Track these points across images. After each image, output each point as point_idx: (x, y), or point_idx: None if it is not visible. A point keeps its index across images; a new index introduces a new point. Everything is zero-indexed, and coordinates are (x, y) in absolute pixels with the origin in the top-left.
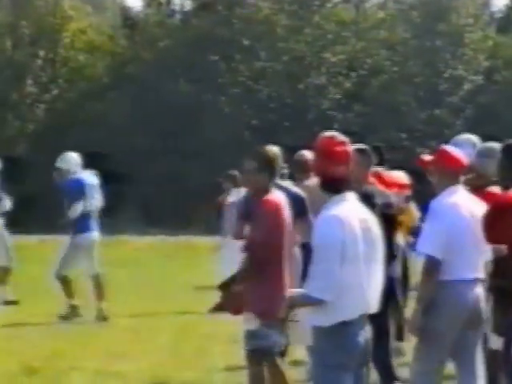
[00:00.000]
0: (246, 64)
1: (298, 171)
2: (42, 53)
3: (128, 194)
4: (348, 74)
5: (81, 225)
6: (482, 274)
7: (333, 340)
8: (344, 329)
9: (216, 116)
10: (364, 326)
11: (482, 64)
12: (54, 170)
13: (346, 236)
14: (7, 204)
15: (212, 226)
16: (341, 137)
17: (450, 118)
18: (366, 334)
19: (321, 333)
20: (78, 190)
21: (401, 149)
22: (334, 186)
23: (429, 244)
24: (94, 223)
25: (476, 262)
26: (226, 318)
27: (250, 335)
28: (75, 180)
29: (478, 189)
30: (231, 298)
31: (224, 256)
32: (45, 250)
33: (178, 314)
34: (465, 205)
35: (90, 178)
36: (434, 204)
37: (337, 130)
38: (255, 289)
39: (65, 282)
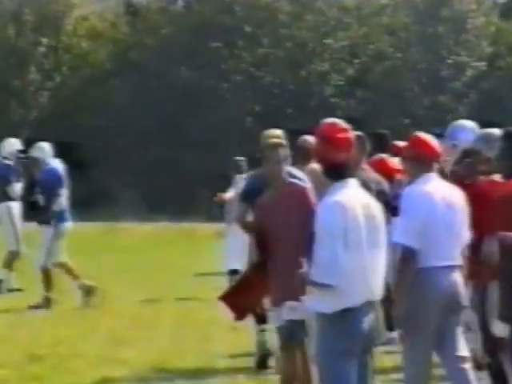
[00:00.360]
0: (249, 50)
1: (301, 157)
2: (44, 40)
3: (130, 180)
4: (351, 61)
5: (62, 214)
6: (458, 260)
7: (337, 326)
8: (348, 315)
9: (218, 102)
10: (368, 312)
11: (484, 50)
12: (29, 160)
13: (348, 222)
14: (17, 188)
15: (213, 214)
16: (342, 123)
17: (453, 103)
18: (371, 320)
19: (325, 319)
20: (58, 180)
21: (404, 135)
22: (335, 172)
23: (404, 234)
24: (68, 213)
25: (452, 249)
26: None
27: (302, 326)
28: (53, 170)
29: (483, 175)
30: (235, 305)
31: (228, 244)
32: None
33: (180, 300)
34: (439, 192)
35: (61, 167)
36: (408, 192)
37: (339, 116)
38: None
39: (47, 275)
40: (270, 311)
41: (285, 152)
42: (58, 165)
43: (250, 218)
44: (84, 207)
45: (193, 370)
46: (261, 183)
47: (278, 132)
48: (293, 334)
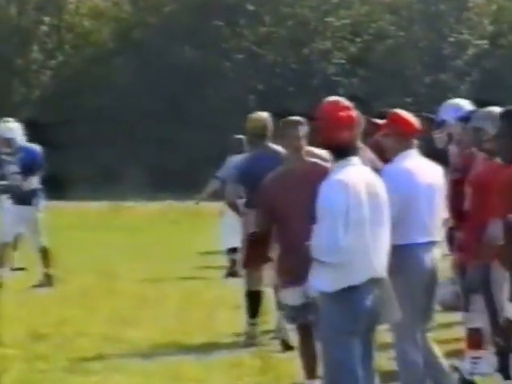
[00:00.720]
0: (251, 29)
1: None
2: (47, 19)
3: (133, 160)
4: (353, 39)
5: (41, 194)
6: (437, 236)
7: (340, 305)
8: (351, 294)
9: (220, 81)
10: (372, 290)
11: (486, 28)
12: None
13: (350, 200)
14: None
15: (216, 192)
16: (345, 102)
17: (455, 82)
18: (375, 298)
19: (328, 298)
20: (36, 159)
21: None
22: (339, 150)
23: None
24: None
25: (430, 226)
26: (233, 283)
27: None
28: (30, 150)
29: (488, 153)
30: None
31: (226, 222)
32: (48, 215)
33: (185, 279)
34: (418, 169)
35: (35, 146)
36: (387, 169)
37: (342, 95)
38: None
39: (46, 253)
40: (285, 291)
41: (304, 130)
42: (30, 144)
43: (240, 198)
44: (87, 186)
45: (197, 348)
46: (257, 164)
47: (265, 115)
48: (312, 310)
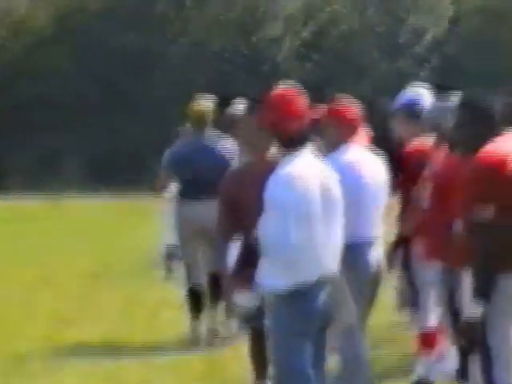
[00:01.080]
0: (197, 11)
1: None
2: None
3: (75, 149)
4: (305, 23)
5: None
6: (380, 231)
7: (291, 305)
8: (302, 293)
9: (166, 67)
10: (323, 288)
11: (445, 12)
12: None
13: (299, 194)
14: None
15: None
16: (295, 90)
17: (414, 68)
18: (327, 298)
19: (278, 298)
20: None
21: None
22: (288, 142)
23: None
24: None
25: (374, 221)
26: (176, 283)
27: None
28: None
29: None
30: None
31: (166, 219)
32: None
33: (128, 277)
34: (361, 162)
35: None
36: (330, 162)
37: (294, 81)
38: None
39: None
40: (240, 292)
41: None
42: None
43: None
44: (24, 177)
45: (140, 349)
46: (190, 156)
47: (207, 102)
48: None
